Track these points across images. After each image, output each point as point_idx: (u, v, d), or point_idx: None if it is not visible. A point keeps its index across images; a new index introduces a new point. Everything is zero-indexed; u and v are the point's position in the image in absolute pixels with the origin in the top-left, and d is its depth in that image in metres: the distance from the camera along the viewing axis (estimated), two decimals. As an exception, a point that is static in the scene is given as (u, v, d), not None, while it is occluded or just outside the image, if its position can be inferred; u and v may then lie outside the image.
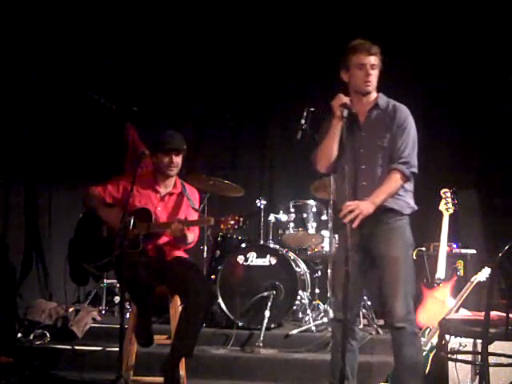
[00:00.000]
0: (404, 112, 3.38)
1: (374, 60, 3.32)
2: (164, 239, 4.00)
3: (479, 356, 3.14)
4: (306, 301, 5.16)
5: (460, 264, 5.19)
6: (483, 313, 3.03)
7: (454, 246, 5.30)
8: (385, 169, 3.31)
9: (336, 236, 5.37)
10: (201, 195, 5.26)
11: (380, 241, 3.29)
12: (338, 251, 3.49)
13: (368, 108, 3.41)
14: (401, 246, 3.30)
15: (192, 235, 4.02)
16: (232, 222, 3.75)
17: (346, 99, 3.31)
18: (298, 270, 5.14)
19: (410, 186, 3.37)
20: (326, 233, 5.35)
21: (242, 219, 3.76)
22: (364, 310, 4.98)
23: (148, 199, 4.07)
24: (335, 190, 3.60)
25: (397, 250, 3.28)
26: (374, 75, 3.35)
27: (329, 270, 5.13)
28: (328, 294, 5.06)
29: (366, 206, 3.19)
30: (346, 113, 3.27)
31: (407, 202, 3.35)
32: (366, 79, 3.33)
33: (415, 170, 3.32)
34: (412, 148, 3.32)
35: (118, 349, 3.49)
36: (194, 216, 4.07)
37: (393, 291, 3.23)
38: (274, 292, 4.93)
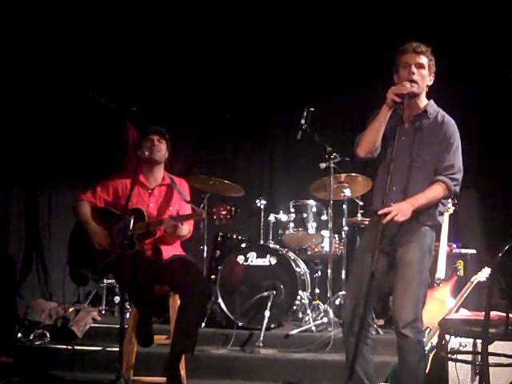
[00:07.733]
0: (452, 126, 3.26)
1: (420, 59, 3.18)
2: (158, 236, 3.97)
3: (479, 356, 3.15)
4: (306, 301, 5.16)
5: (460, 264, 5.18)
6: (483, 313, 3.04)
7: (454, 245, 5.30)
8: (418, 179, 3.20)
9: (336, 236, 5.40)
10: (201, 195, 5.28)
11: (399, 243, 3.22)
12: (358, 253, 3.36)
13: (415, 113, 3.27)
14: (417, 250, 3.19)
15: (187, 226, 3.99)
16: (224, 213, 3.67)
17: (407, 90, 3.13)
18: (298, 269, 5.14)
19: (442, 205, 3.29)
20: (325, 233, 5.35)
21: (233, 209, 3.68)
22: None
23: (139, 197, 4.03)
24: (374, 187, 3.47)
25: (412, 254, 3.18)
26: (420, 75, 3.19)
27: (329, 270, 5.12)
28: (328, 294, 5.05)
29: (405, 207, 3.09)
30: (400, 103, 3.10)
31: (432, 215, 3.25)
32: (408, 77, 3.16)
33: (458, 189, 3.23)
34: (460, 167, 3.24)
35: (118, 349, 3.49)
36: (187, 208, 4.04)
37: (402, 295, 3.16)
38: (274, 292, 4.92)
